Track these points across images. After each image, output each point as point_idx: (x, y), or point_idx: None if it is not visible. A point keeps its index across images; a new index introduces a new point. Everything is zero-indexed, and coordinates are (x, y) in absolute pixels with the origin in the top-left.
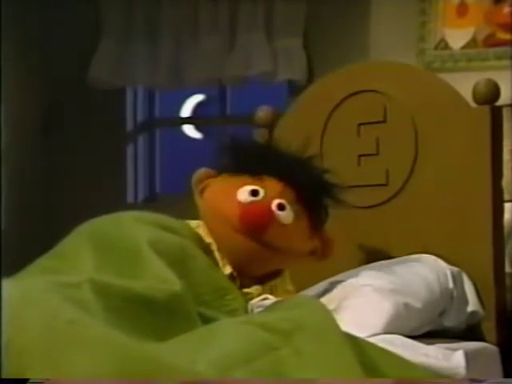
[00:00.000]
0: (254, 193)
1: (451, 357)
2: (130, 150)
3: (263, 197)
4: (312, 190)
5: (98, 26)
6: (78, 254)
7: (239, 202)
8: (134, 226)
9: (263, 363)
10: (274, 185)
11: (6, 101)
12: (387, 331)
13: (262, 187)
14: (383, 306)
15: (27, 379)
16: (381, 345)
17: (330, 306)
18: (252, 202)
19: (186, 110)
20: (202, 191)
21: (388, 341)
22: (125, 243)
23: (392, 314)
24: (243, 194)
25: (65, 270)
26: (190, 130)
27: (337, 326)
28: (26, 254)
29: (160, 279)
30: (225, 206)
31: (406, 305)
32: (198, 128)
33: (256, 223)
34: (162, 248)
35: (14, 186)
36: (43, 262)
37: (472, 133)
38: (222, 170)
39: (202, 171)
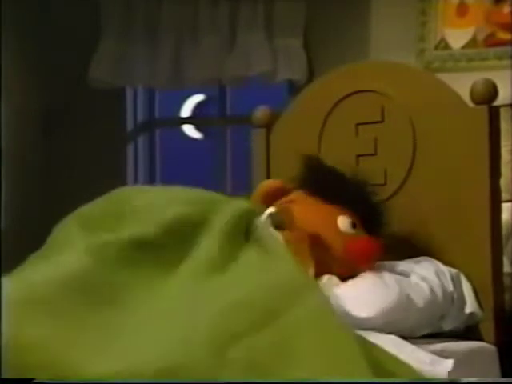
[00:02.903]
0: (354, 225)
1: (438, 364)
2: (130, 149)
3: (358, 229)
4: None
5: (98, 26)
6: (67, 235)
7: (343, 233)
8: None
9: (267, 333)
10: (353, 214)
11: (6, 101)
12: (387, 317)
13: (351, 217)
14: (388, 292)
15: (28, 379)
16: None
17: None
18: (356, 235)
19: (186, 110)
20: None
21: (380, 339)
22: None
23: (394, 300)
24: (345, 224)
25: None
26: (190, 130)
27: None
28: (25, 254)
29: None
30: (327, 233)
31: (409, 297)
32: (198, 128)
33: (365, 257)
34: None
35: (14, 186)
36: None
37: (470, 133)
38: (299, 186)
39: (275, 182)
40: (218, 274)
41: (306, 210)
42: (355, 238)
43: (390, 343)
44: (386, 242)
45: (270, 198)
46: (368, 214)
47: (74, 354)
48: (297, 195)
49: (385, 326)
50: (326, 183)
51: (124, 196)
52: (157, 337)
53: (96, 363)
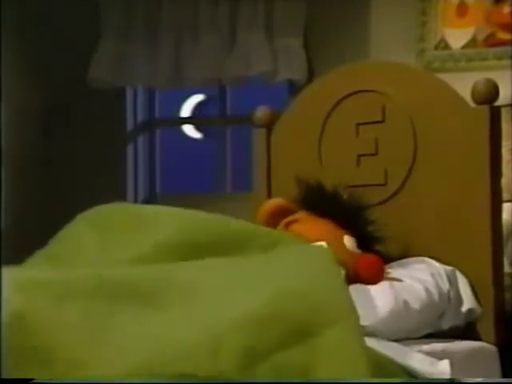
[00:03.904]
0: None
1: (438, 363)
2: (130, 150)
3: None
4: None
5: (98, 26)
6: (78, 236)
7: (351, 251)
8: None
9: (296, 352)
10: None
11: (6, 101)
12: (386, 325)
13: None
14: (384, 300)
15: (27, 379)
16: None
17: None
18: (362, 254)
19: (186, 110)
20: (288, 223)
21: (378, 344)
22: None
23: (392, 308)
24: (351, 243)
25: (68, 257)
26: (190, 130)
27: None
28: (25, 254)
29: None
30: (336, 250)
31: (406, 302)
32: (198, 128)
33: (375, 273)
34: None
35: (14, 186)
36: (46, 251)
37: (471, 133)
38: (300, 205)
39: (279, 201)
40: (250, 267)
41: (313, 228)
42: (363, 256)
43: (389, 349)
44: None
45: (274, 217)
46: (365, 236)
47: (89, 350)
48: (302, 215)
49: (384, 332)
50: (324, 206)
51: (127, 206)
52: (182, 338)
53: (111, 360)
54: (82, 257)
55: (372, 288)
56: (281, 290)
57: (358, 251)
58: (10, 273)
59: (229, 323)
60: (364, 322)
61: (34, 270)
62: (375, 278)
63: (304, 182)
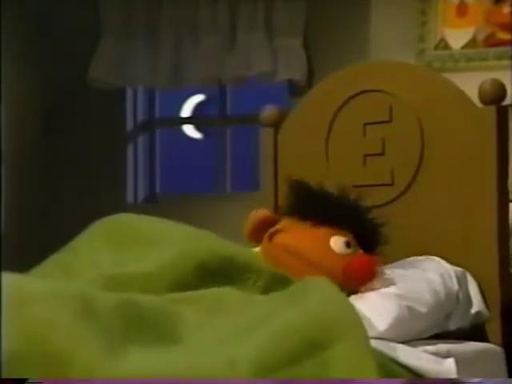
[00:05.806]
0: (348, 244)
1: (443, 362)
2: (130, 150)
3: (353, 247)
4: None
5: (98, 26)
6: (93, 249)
7: (338, 254)
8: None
9: (308, 365)
10: (348, 233)
11: (6, 101)
12: (391, 333)
13: (345, 236)
14: (387, 309)
15: (23, 379)
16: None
17: None
18: (352, 254)
19: (186, 110)
20: (271, 234)
21: (383, 345)
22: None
23: (396, 316)
24: (338, 245)
25: (79, 266)
26: (190, 130)
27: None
28: (25, 254)
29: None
30: (322, 256)
31: (410, 308)
32: (198, 128)
33: (365, 277)
34: None
35: (14, 186)
36: (57, 257)
37: (478, 133)
38: (288, 212)
39: (263, 213)
40: (260, 302)
41: (297, 237)
42: (351, 258)
43: (394, 350)
44: (390, 240)
45: (260, 231)
46: (361, 230)
47: (94, 356)
48: (285, 223)
49: (391, 338)
50: (314, 206)
51: (144, 219)
52: (198, 352)
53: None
54: (96, 271)
55: (376, 297)
56: (292, 311)
57: (349, 250)
58: (38, 282)
59: (243, 341)
60: (370, 332)
61: (58, 282)
62: (365, 280)
63: (291, 184)
